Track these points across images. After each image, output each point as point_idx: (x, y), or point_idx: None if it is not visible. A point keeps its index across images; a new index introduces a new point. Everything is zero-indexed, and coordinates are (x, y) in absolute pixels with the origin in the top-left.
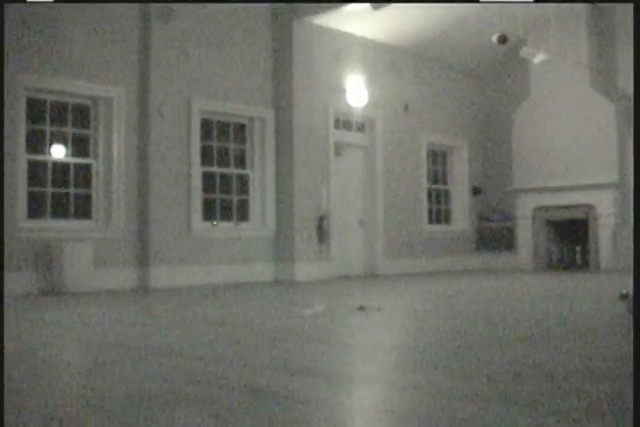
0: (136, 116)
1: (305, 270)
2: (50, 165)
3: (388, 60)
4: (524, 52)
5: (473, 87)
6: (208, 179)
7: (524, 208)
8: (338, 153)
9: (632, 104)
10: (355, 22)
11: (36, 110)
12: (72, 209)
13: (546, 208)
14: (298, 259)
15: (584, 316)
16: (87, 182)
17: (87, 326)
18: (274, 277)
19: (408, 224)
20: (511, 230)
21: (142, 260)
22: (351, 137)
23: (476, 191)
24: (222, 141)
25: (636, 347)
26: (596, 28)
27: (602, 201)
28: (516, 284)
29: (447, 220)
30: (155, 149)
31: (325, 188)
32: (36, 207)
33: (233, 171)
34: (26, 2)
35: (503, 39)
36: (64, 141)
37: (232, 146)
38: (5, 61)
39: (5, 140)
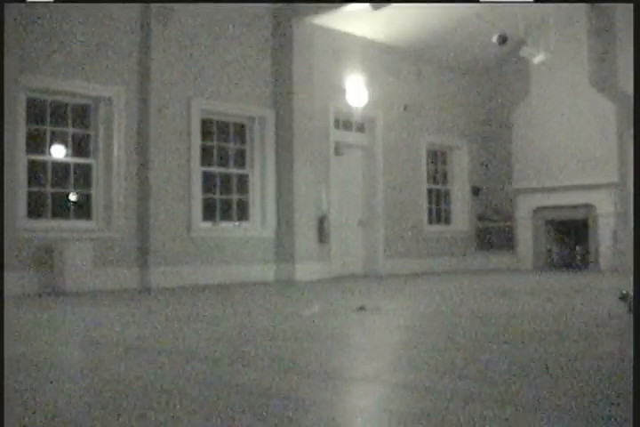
0: (136, 116)
1: (305, 270)
2: (50, 165)
3: (387, 60)
4: (524, 52)
5: (473, 87)
6: (208, 179)
7: (524, 208)
8: (338, 153)
9: (632, 104)
10: (355, 22)
11: (36, 110)
12: (72, 209)
13: (546, 208)
14: (298, 259)
15: (584, 316)
16: (87, 182)
17: (87, 325)
18: (274, 277)
19: (408, 224)
20: (511, 230)
21: (142, 260)
22: (351, 137)
23: (476, 191)
24: (222, 141)
25: (636, 347)
26: (596, 28)
27: (602, 201)
28: (515, 284)
29: (447, 220)
30: (155, 150)
31: (325, 188)
32: (36, 207)
33: (233, 171)
34: (26, 2)
35: (503, 39)
36: (64, 141)
37: (232, 146)
38: (5, 61)
39: (5, 141)
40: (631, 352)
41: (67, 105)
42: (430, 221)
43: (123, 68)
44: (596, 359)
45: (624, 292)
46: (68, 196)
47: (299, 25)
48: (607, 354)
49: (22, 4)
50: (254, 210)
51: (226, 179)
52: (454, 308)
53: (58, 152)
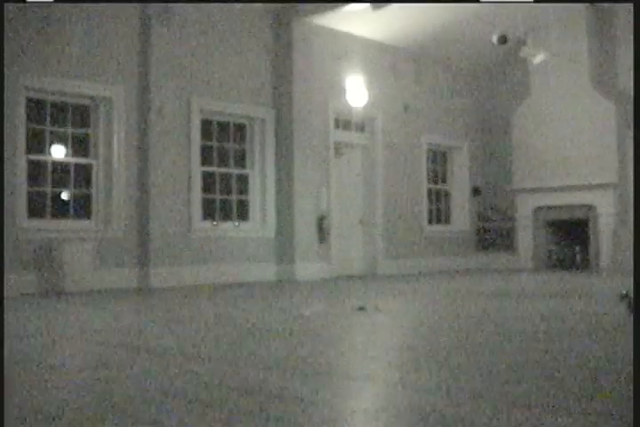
0: (136, 116)
1: (305, 270)
2: (50, 165)
3: (387, 60)
4: (524, 52)
5: (473, 87)
6: (208, 179)
7: (524, 208)
8: (338, 153)
9: (632, 104)
10: (355, 22)
11: (36, 110)
12: (72, 209)
13: (546, 208)
14: (298, 259)
15: (584, 315)
16: (87, 182)
17: (87, 326)
18: (274, 277)
19: (408, 224)
20: (511, 230)
21: (142, 260)
22: (351, 137)
23: (476, 191)
24: (222, 141)
25: (636, 347)
26: (596, 28)
27: (602, 201)
28: (515, 284)
29: (447, 220)
30: (155, 150)
31: (325, 188)
32: (36, 207)
33: (233, 171)
34: (26, 2)
35: (503, 39)
36: (64, 141)
37: (232, 146)
38: (5, 61)
39: (5, 141)
40: (631, 352)
41: (67, 105)
42: (430, 221)
43: (123, 68)
44: (596, 359)
45: (624, 292)
46: (60, 194)
47: (299, 25)
48: (608, 354)
49: (22, 4)
50: (254, 210)
51: (226, 179)
52: (454, 308)
53: (58, 152)
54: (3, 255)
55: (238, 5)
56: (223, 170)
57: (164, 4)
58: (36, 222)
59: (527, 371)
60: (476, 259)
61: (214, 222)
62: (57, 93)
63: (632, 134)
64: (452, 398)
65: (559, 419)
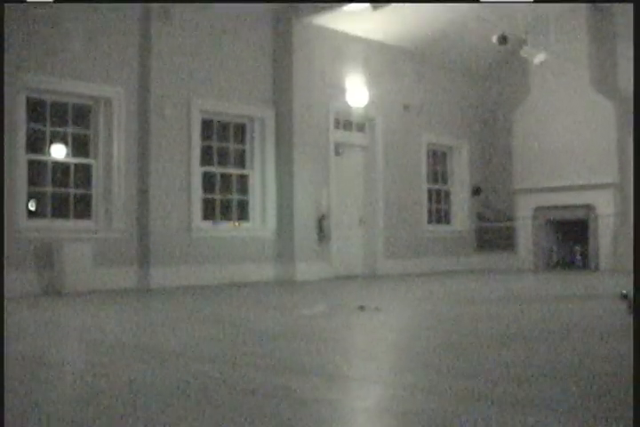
0: (136, 116)
1: (305, 270)
2: (50, 165)
3: (388, 60)
4: (524, 52)
5: (473, 87)
6: (208, 179)
7: (524, 208)
8: (338, 153)
9: (632, 104)
10: (355, 22)
11: (36, 110)
12: (72, 209)
13: (546, 208)
14: (298, 259)
15: (584, 316)
16: (87, 182)
17: (87, 326)
18: (274, 277)
19: (408, 224)
20: (511, 230)
21: (142, 260)
22: (351, 137)
23: (476, 191)
24: (222, 141)
25: (636, 347)
26: (596, 28)
27: (602, 201)
28: (515, 284)
29: (447, 220)
30: (155, 149)
31: (325, 188)
32: (36, 207)
33: (233, 171)
34: (26, 2)
35: (503, 39)
36: (64, 141)
37: (232, 146)
38: (5, 61)
39: (5, 141)
40: (631, 352)
41: (67, 105)
42: (430, 221)
43: (123, 68)
44: (597, 359)
45: (624, 292)
46: (30, 199)
47: (299, 25)
48: (608, 354)
49: (22, 4)
50: (254, 210)
51: (226, 179)
52: (454, 308)
53: (58, 152)
54: (3, 255)
55: (238, 5)
56: (223, 170)
57: (164, 4)
58: (36, 222)
59: (527, 372)
60: (476, 259)
61: (215, 223)
62: (57, 93)
63: (632, 134)
64: (453, 400)
65: (561, 420)
